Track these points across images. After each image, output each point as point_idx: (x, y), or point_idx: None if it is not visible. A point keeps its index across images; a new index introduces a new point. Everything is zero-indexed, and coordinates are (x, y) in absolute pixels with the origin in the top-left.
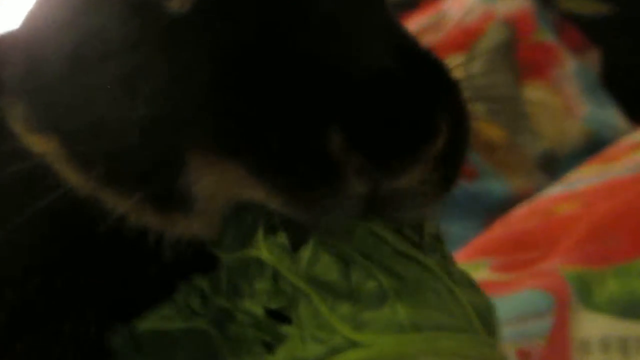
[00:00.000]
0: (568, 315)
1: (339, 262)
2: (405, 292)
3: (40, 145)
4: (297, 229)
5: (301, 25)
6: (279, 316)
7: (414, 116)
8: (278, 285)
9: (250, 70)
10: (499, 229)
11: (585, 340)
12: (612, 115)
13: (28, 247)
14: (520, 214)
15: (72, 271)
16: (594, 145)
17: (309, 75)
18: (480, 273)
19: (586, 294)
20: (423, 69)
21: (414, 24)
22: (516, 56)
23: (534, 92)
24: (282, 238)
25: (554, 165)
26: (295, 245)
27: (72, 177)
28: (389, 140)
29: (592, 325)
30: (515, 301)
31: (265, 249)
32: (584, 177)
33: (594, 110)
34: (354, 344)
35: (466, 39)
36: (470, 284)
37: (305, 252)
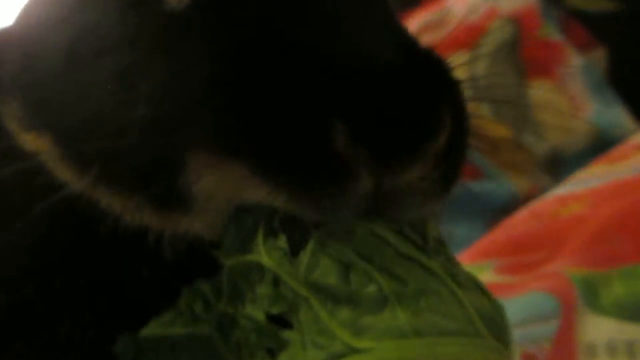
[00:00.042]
0: (574, 318)
1: (339, 266)
2: (406, 296)
3: (34, 143)
4: (297, 231)
5: (302, 21)
6: (282, 321)
7: (418, 112)
8: (279, 290)
9: (250, 67)
10: (504, 231)
11: (591, 344)
12: (619, 114)
13: (22, 248)
14: (525, 215)
15: (69, 273)
16: (600, 145)
17: (310, 71)
18: (485, 275)
19: (592, 296)
20: (426, 66)
21: (417, 21)
22: (521, 54)
23: (539, 91)
24: (282, 241)
25: (559, 166)
26: (296, 248)
27: (67, 176)
28: (392, 136)
29: (598, 329)
30: (520, 304)
31: (265, 253)
32: (590, 178)
33: (600, 109)
34: (353, 350)
35: (470, 36)
36: (476, 287)
37: (304, 257)
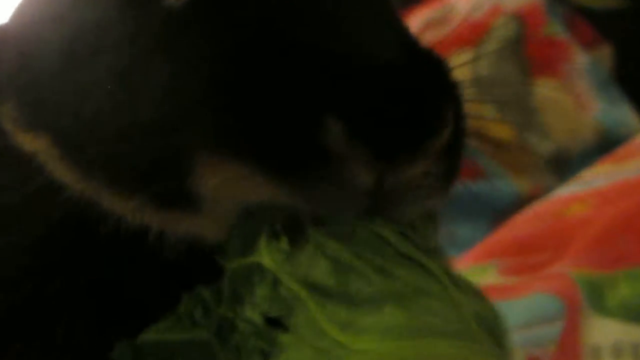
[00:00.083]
0: (579, 320)
1: (337, 267)
2: (405, 297)
3: (32, 143)
4: (298, 233)
5: (302, 19)
6: (281, 325)
7: (421, 108)
8: (277, 292)
9: (250, 65)
10: (508, 231)
11: (596, 346)
12: (625, 113)
13: (21, 249)
14: (529, 215)
15: (68, 274)
16: (606, 144)
17: (310, 68)
18: (488, 276)
19: (597, 298)
20: (426, 65)
21: (420, 18)
22: (525, 52)
23: (543, 89)
24: (284, 243)
25: (564, 165)
26: (296, 250)
27: (66, 177)
28: (393, 132)
29: (604, 331)
30: (524, 306)
31: (266, 255)
32: (596, 177)
33: (606, 108)
34: (350, 351)
35: (473, 34)
36: (474, 291)
37: (303, 257)
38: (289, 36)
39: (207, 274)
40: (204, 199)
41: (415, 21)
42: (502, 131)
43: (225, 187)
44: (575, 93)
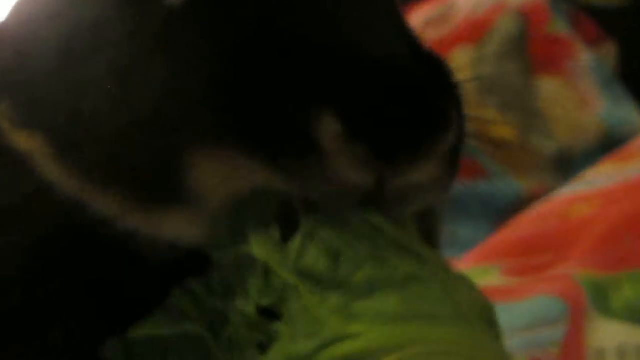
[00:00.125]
0: (583, 322)
1: (328, 253)
2: (397, 282)
3: (26, 142)
4: (290, 221)
5: (302, 16)
6: (274, 314)
7: (425, 106)
8: (269, 281)
9: (245, 57)
10: (510, 232)
11: (601, 349)
12: (630, 111)
13: (14, 250)
14: (532, 216)
15: (59, 278)
16: (610, 143)
17: (308, 62)
18: (491, 278)
19: (602, 300)
20: (430, 65)
21: (421, 16)
22: (528, 49)
23: (547, 87)
24: (274, 232)
25: (568, 165)
26: (287, 238)
27: (59, 177)
28: (394, 129)
29: (608, 333)
30: (527, 307)
31: (256, 245)
32: (600, 177)
33: (610, 106)
34: (344, 336)
35: (476, 31)
36: (466, 282)
37: (295, 243)
38: (289, 32)
39: (196, 266)
40: (198, 193)
41: (416, 19)
42: (504, 130)
43: (218, 179)
44: (579, 91)
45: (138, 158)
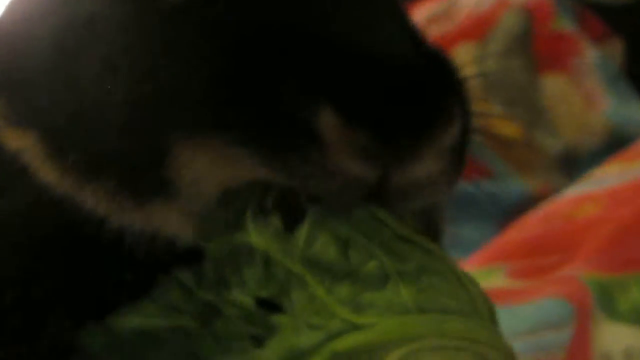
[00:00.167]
0: (589, 325)
1: (338, 242)
2: (409, 273)
3: (18, 140)
4: (292, 209)
5: (302, 10)
6: (271, 307)
7: (427, 99)
8: (269, 272)
9: (240, 48)
10: (515, 233)
11: (607, 352)
12: (636, 110)
13: (5, 251)
14: (537, 216)
15: (50, 278)
16: (616, 142)
17: (306, 55)
18: (495, 279)
19: (608, 302)
20: (434, 61)
21: (424, 12)
22: (533, 47)
23: (552, 85)
24: (275, 219)
25: (574, 164)
26: (291, 225)
27: (50, 175)
28: (393, 122)
29: (615, 336)
30: (533, 310)
31: (254, 232)
32: (606, 177)
33: (616, 104)
34: (354, 327)
35: (479, 28)
36: (471, 278)
37: (302, 232)
38: (288, 26)
39: (188, 258)
40: (189, 186)
41: (419, 15)
42: (509, 129)
43: (212, 170)
44: (585, 89)
45: (132, 154)
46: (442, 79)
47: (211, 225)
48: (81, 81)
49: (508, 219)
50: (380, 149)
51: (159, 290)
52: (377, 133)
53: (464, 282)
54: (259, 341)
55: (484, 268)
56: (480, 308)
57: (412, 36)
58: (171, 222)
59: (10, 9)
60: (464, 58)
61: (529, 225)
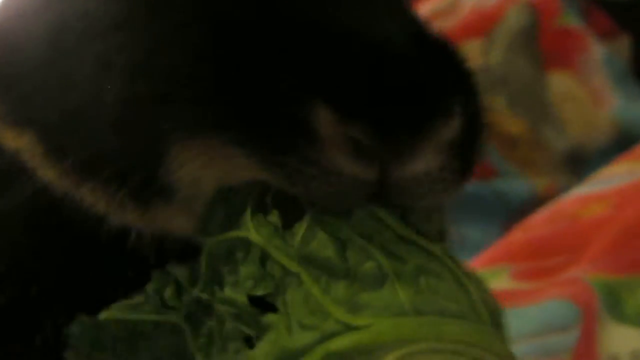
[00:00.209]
0: (595, 327)
1: (336, 241)
2: (406, 274)
3: (15, 140)
4: (291, 206)
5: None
6: (265, 307)
7: (424, 92)
8: (266, 269)
9: (236, 44)
10: (520, 233)
11: (614, 355)
12: None
13: (4, 248)
14: (543, 216)
15: (47, 277)
16: (624, 141)
17: (301, 48)
18: (500, 281)
19: (615, 304)
20: (436, 53)
21: (427, 7)
22: (539, 43)
23: (558, 83)
24: (274, 216)
25: (580, 163)
26: (290, 223)
27: (48, 174)
28: (387, 117)
29: (622, 339)
30: (538, 312)
31: (253, 229)
32: (614, 176)
33: (624, 102)
34: (348, 328)
35: (483, 24)
36: (476, 279)
37: (300, 229)
38: (281, 18)
39: (184, 253)
40: (187, 186)
41: (423, 11)
42: (514, 127)
43: (210, 170)
44: (592, 87)
45: (130, 154)
46: (442, 71)
47: (210, 222)
48: (76, 80)
49: (513, 220)
50: (376, 144)
51: (151, 285)
52: (373, 128)
53: (464, 284)
54: (251, 341)
55: (488, 269)
56: (481, 311)
57: (413, 29)
58: (170, 220)
59: (4, 7)
60: (469, 55)
61: (534, 225)
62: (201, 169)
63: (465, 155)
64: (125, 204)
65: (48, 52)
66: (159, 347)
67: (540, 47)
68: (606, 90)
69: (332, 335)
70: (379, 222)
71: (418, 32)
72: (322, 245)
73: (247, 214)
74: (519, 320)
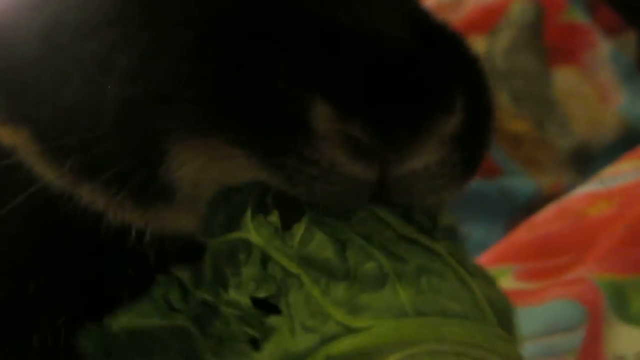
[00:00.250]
0: (601, 328)
1: (335, 242)
2: (408, 274)
3: (11, 137)
4: (291, 207)
5: None
6: (270, 308)
7: (423, 88)
8: (267, 271)
9: (234, 41)
10: (525, 232)
11: (620, 356)
12: None
13: (2, 246)
14: (548, 215)
15: (45, 276)
16: (630, 138)
17: (298, 44)
18: (504, 281)
19: (621, 304)
20: (437, 41)
21: (431, 2)
22: (544, 38)
23: (563, 79)
24: (274, 217)
25: (586, 161)
26: (289, 223)
27: (45, 172)
28: (385, 112)
29: (628, 339)
30: (543, 313)
31: (253, 230)
32: (620, 174)
33: (630, 99)
34: (349, 330)
35: (488, 18)
36: (485, 276)
37: (298, 230)
38: (278, 14)
39: (187, 256)
40: (186, 185)
41: (426, 6)
42: (519, 124)
43: (209, 170)
44: (598, 83)
45: (128, 153)
46: (444, 65)
47: (212, 223)
48: (71, 78)
49: (517, 218)
50: (375, 143)
51: (157, 289)
52: (372, 127)
53: (468, 283)
54: (256, 343)
55: (492, 269)
56: (485, 310)
57: (416, 21)
58: (170, 220)
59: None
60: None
61: (539, 224)
62: (201, 169)
63: (468, 150)
64: (125, 203)
65: (41, 50)
66: (167, 351)
67: (545, 42)
68: (612, 86)
69: (332, 338)
70: (379, 221)
71: (421, 23)
72: (321, 246)
73: (248, 215)
74: (524, 320)
